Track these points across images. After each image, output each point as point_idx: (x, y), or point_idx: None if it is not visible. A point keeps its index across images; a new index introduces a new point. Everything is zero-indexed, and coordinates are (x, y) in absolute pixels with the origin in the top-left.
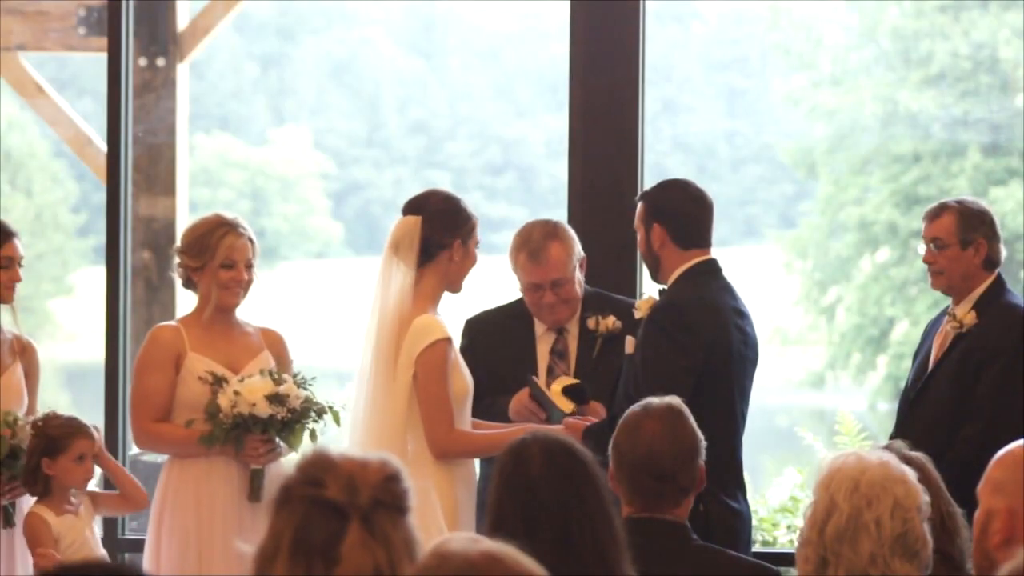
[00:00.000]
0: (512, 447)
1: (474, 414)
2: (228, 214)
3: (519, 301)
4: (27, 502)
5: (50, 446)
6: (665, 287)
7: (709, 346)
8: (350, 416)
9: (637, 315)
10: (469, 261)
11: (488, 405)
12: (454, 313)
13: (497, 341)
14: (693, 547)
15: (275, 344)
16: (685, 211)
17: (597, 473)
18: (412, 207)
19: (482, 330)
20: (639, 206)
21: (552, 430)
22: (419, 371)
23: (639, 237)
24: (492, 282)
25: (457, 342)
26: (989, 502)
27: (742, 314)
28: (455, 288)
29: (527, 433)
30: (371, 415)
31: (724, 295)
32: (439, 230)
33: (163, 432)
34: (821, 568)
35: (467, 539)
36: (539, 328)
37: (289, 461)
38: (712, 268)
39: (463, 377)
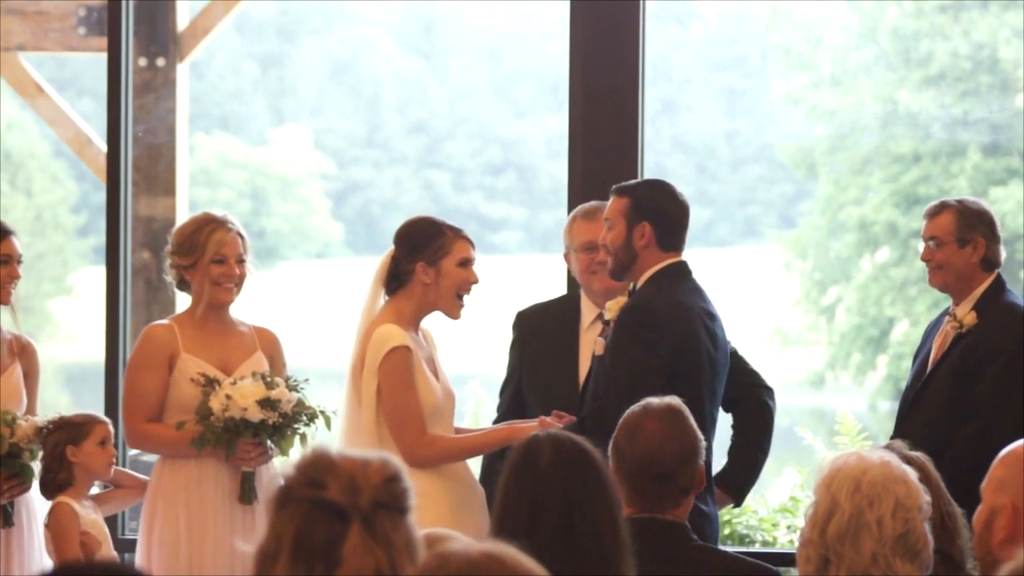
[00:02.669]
0: (524, 442)
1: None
2: (217, 211)
3: (568, 295)
4: (24, 502)
5: (74, 433)
6: (634, 287)
7: (677, 347)
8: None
9: (607, 316)
10: (447, 281)
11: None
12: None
13: (543, 331)
14: (693, 547)
15: (269, 344)
16: (671, 213)
17: (606, 475)
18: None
19: (530, 321)
20: (621, 201)
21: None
22: (382, 381)
23: (616, 231)
24: (492, 281)
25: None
26: (993, 499)
27: (712, 316)
28: (446, 311)
29: (540, 430)
30: (345, 438)
31: (694, 297)
32: (402, 256)
33: (155, 432)
34: (823, 568)
35: (468, 540)
36: (585, 320)
37: (280, 463)
38: (683, 270)
39: (430, 388)
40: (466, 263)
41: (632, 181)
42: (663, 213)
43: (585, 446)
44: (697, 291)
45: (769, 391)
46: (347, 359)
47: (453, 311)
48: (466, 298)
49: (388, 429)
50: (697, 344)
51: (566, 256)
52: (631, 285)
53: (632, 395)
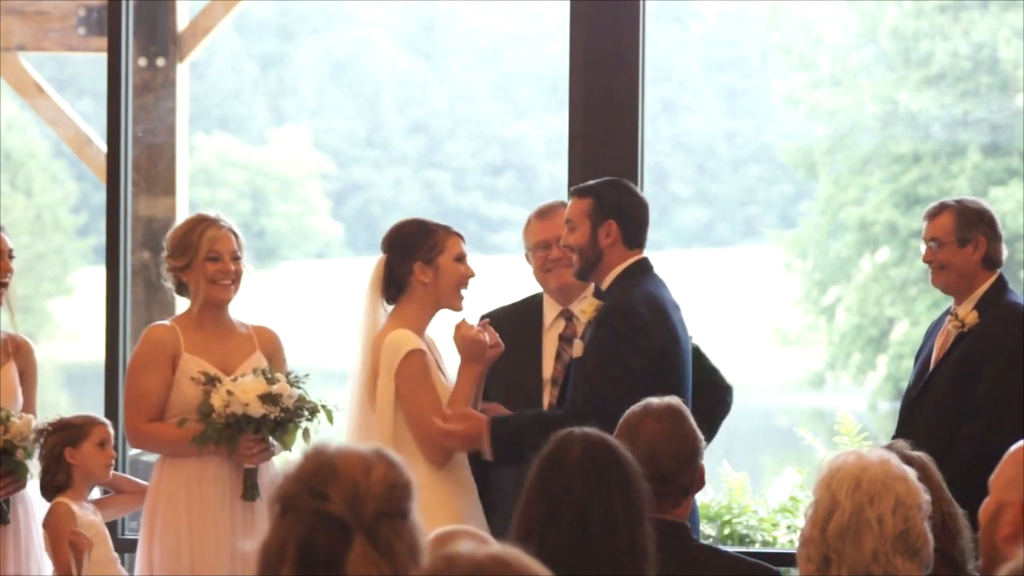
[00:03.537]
0: (557, 438)
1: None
2: (210, 212)
3: (532, 297)
4: (22, 501)
5: (72, 435)
6: (600, 287)
7: (661, 347)
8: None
9: (583, 318)
10: (446, 277)
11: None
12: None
13: (508, 333)
14: (693, 547)
15: (269, 342)
16: (634, 210)
17: (633, 479)
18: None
19: (494, 323)
20: (583, 202)
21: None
22: (400, 386)
23: (580, 231)
24: (492, 281)
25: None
26: (1001, 494)
27: (677, 308)
28: (449, 305)
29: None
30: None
31: (664, 292)
32: (397, 261)
33: (156, 432)
34: (824, 567)
35: (474, 542)
36: (548, 318)
37: (281, 459)
38: (647, 266)
39: (445, 391)
40: (461, 258)
41: (591, 182)
42: (627, 211)
43: (616, 448)
44: (663, 285)
45: (728, 389)
46: (352, 366)
47: (456, 303)
48: (464, 292)
49: (411, 431)
50: (678, 340)
51: (526, 257)
52: (592, 285)
53: (618, 396)
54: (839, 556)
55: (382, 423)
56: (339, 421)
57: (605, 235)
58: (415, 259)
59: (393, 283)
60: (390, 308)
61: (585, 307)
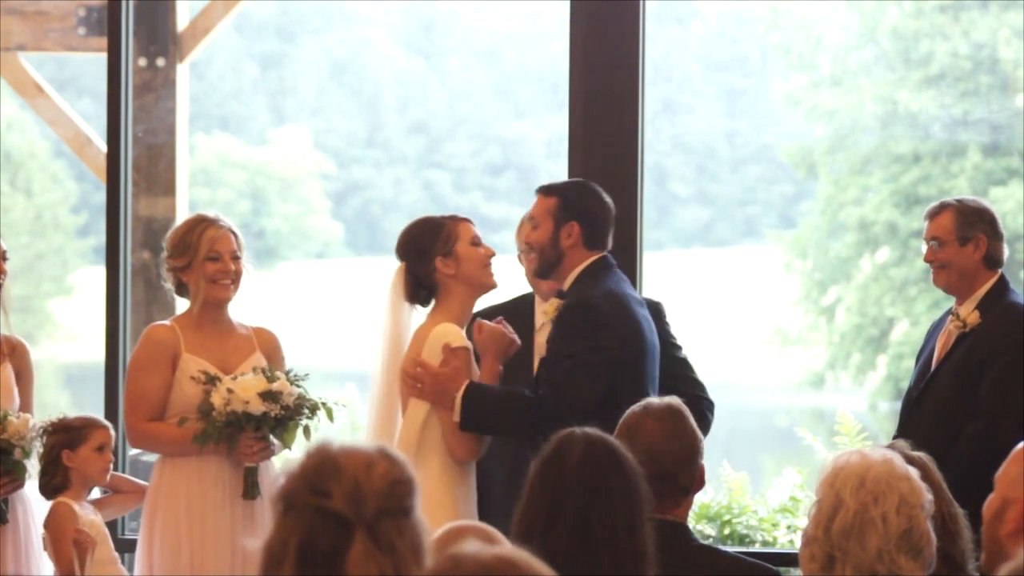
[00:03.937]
0: (558, 438)
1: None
2: (209, 212)
3: (522, 297)
4: (21, 500)
5: (70, 438)
6: (561, 287)
7: (624, 338)
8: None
9: (545, 317)
10: (469, 263)
11: None
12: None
13: None
14: (693, 547)
15: (268, 343)
16: (600, 214)
17: (634, 479)
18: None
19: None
20: (548, 201)
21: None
22: None
23: (542, 230)
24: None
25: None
26: (1006, 491)
27: (642, 304)
28: (484, 285)
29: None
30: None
31: (626, 288)
32: (417, 264)
33: (157, 431)
34: (828, 566)
35: (480, 541)
36: (539, 320)
37: (282, 458)
38: (607, 264)
39: None
40: (477, 241)
41: (558, 181)
42: (590, 213)
43: (616, 448)
44: (626, 282)
45: (710, 404)
46: (375, 368)
47: (489, 281)
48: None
49: (443, 424)
50: (640, 331)
51: (519, 258)
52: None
53: (578, 392)
54: (843, 555)
55: (415, 411)
56: (340, 420)
57: (566, 236)
58: (434, 255)
59: (421, 286)
60: (423, 310)
61: (548, 307)
